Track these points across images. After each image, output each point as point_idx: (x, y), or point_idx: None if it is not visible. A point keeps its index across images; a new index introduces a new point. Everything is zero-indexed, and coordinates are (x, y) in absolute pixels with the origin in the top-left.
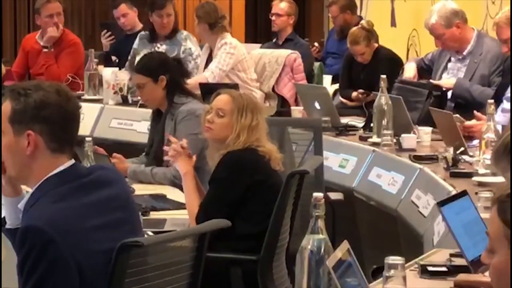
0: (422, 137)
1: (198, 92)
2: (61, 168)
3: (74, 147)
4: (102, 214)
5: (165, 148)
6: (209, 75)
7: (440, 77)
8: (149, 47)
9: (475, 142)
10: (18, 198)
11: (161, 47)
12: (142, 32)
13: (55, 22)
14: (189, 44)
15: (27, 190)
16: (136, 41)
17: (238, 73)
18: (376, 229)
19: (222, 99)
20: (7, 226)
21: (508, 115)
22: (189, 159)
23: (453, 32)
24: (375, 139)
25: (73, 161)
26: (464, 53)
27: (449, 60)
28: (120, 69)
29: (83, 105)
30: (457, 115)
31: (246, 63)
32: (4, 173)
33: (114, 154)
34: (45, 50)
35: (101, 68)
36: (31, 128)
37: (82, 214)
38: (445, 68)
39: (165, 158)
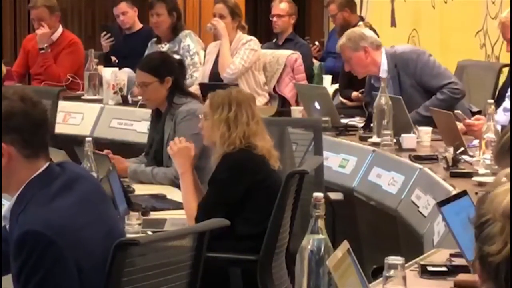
0: (422, 137)
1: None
2: (40, 170)
3: (48, 150)
4: (88, 209)
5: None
6: (233, 68)
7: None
8: (156, 49)
9: (475, 142)
10: None
11: (165, 47)
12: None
13: (39, 26)
14: (188, 41)
15: None
16: (148, 47)
17: (254, 72)
18: (376, 229)
19: (205, 104)
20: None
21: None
22: (188, 159)
23: (360, 56)
24: (375, 139)
25: (48, 162)
26: (381, 75)
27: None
28: (120, 69)
29: (83, 105)
30: (459, 111)
31: (259, 65)
32: None
33: (111, 156)
34: (42, 51)
35: (101, 68)
36: (1, 140)
37: (73, 212)
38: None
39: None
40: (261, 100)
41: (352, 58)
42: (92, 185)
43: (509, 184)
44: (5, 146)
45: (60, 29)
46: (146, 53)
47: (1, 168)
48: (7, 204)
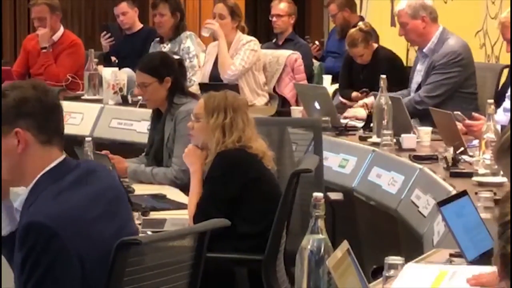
0: (422, 137)
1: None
2: (55, 163)
3: (62, 139)
4: (98, 205)
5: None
6: (234, 69)
7: (411, 81)
8: (158, 48)
9: (475, 142)
10: (5, 201)
11: (166, 47)
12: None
13: (39, 25)
14: (188, 43)
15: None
16: (151, 46)
17: (254, 72)
18: (376, 229)
19: (198, 104)
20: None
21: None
22: (198, 159)
23: (417, 24)
24: (375, 139)
25: (64, 155)
26: (425, 50)
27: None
28: (120, 69)
29: (83, 105)
30: (458, 112)
31: (259, 65)
32: None
33: (111, 156)
34: (44, 50)
35: (101, 68)
36: (17, 125)
37: (82, 206)
38: (415, 71)
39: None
40: (261, 100)
41: (408, 24)
42: (108, 182)
43: None
44: (21, 132)
45: (62, 29)
46: (150, 51)
47: (16, 156)
48: (18, 199)
